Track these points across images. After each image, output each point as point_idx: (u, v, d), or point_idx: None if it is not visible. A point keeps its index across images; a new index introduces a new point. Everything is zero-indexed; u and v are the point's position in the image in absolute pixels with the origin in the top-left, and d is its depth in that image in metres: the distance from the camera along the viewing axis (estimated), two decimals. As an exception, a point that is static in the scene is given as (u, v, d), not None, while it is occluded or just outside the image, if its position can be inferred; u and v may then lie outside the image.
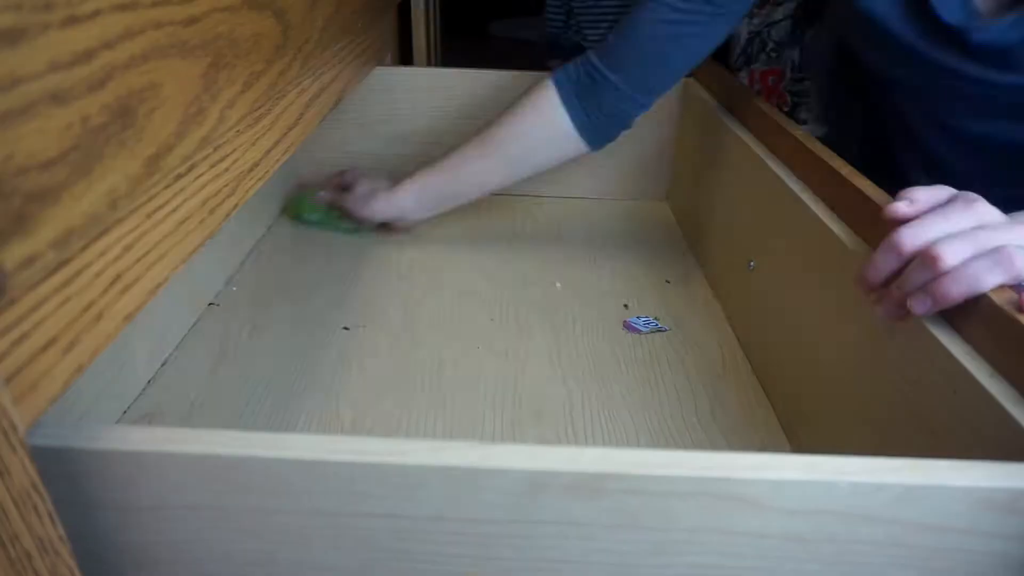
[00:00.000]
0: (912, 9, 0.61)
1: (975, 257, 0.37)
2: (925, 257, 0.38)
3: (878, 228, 0.47)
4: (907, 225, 0.40)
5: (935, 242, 0.38)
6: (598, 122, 0.73)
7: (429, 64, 1.35)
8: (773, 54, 1.46)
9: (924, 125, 0.69)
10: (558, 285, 0.79)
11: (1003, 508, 0.29)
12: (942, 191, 0.42)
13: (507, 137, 0.76)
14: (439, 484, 0.29)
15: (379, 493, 0.29)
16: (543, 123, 0.75)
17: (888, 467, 0.29)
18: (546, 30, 1.66)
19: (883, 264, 0.41)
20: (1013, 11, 0.57)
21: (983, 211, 0.40)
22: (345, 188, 0.88)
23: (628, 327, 0.71)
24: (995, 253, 0.36)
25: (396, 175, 0.84)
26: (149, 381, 0.60)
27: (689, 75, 0.97)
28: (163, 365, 0.62)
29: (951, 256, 0.37)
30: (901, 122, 0.72)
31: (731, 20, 0.67)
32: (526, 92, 0.76)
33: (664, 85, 0.72)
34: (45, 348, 0.27)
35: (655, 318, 0.73)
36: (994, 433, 0.34)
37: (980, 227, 0.39)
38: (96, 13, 0.29)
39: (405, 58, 1.29)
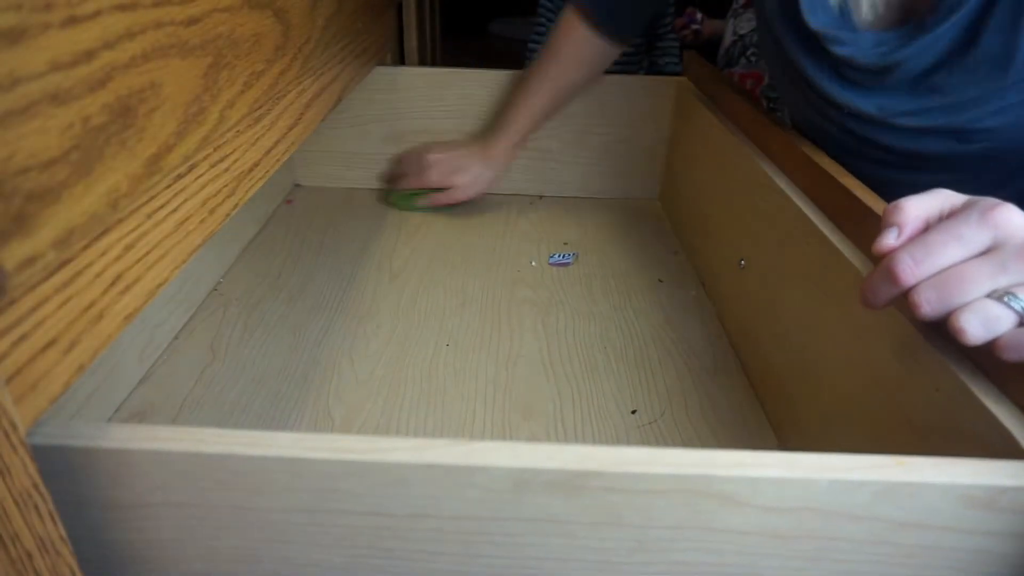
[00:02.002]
0: (788, 11, 0.58)
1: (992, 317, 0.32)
2: (950, 326, 0.33)
3: (864, 227, 0.47)
4: (909, 248, 0.34)
5: (959, 312, 0.32)
6: (622, 21, 0.83)
7: (423, 63, 1.35)
8: (752, 58, 1.48)
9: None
10: (542, 273, 0.79)
11: (984, 505, 0.29)
12: (942, 198, 0.35)
13: (554, 68, 0.85)
14: (420, 482, 0.29)
15: (360, 491, 0.29)
16: (575, 42, 0.84)
17: (868, 464, 0.29)
18: (526, 62, 1.57)
19: (884, 292, 0.35)
20: (898, 26, 0.52)
21: (1004, 222, 0.33)
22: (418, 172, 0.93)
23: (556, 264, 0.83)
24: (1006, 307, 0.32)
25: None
26: (140, 380, 0.60)
27: (682, 75, 0.97)
28: (154, 364, 0.62)
29: (974, 330, 0.32)
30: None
31: None
32: (555, 26, 0.85)
33: None
34: (45, 348, 0.27)
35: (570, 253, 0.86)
36: (975, 430, 0.34)
37: (996, 250, 0.33)
38: (96, 13, 0.29)
39: (406, 58, 1.29)
